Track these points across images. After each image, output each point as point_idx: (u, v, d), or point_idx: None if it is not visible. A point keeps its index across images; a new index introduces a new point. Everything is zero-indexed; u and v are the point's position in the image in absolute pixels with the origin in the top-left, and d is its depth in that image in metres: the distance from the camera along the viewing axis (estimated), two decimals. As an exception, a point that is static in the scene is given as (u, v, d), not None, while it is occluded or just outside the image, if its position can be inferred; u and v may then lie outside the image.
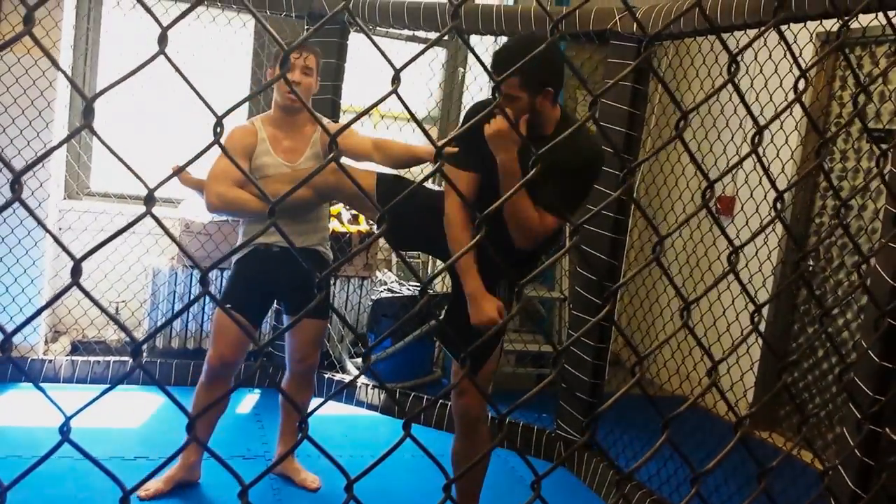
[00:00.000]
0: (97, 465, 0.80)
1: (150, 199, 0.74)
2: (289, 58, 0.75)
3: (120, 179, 4.68)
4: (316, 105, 4.18)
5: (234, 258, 3.11)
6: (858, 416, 2.05)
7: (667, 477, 3.45)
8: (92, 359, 4.23)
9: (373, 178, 2.84)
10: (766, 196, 3.45)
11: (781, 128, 2.90)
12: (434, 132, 5.30)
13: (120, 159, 0.79)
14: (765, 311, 3.97)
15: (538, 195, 2.50)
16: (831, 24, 2.82)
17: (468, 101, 5.01)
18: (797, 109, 3.94)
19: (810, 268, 4.47)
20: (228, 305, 3.04)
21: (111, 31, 4.66)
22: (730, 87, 0.94)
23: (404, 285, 4.92)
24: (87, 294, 0.76)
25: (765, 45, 2.25)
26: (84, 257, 0.74)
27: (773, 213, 0.99)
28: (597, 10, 3.69)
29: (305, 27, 4.34)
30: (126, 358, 4.30)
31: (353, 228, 4.83)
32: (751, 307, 0.98)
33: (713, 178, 0.92)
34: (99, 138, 0.74)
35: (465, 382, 2.77)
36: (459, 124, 2.84)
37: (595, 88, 4.79)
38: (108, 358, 4.27)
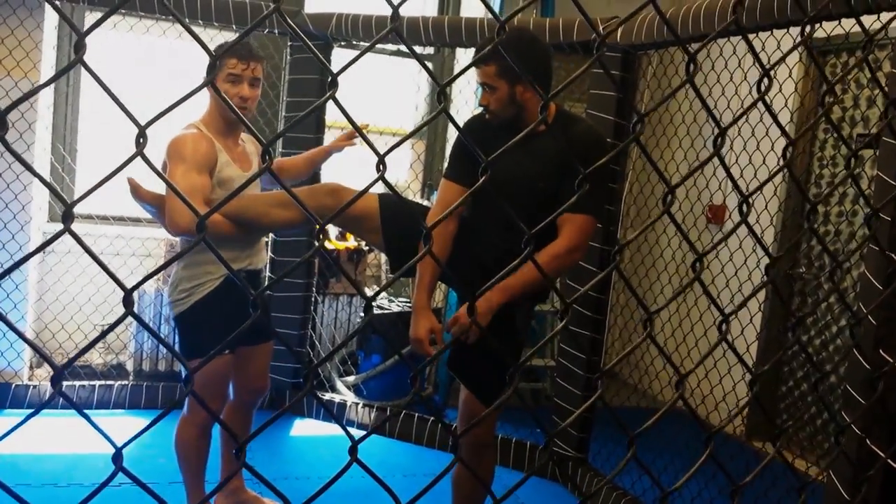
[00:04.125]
0: (9, 493, 0.75)
1: (67, 217, 0.70)
2: (215, 64, 0.71)
3: (103, 201, 4.63)
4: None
5: (194, 300, 2.77)
6: (856, 429, 2.00)
7: (690, 498, 3.39)
8: (77, 383, 4.17)
9: (374, 200, 2.70)
10: (757, 203, 3.42)
11: (767, 134, 2.87)
12: (421, 146, 5.27)
13: (35, 174, 0.74)
14: (757, 319, 3.92)
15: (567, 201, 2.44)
16: (832, 28, 2.80)
17: (454, 115, 4.97)
18: (788, 115, 3.92)
19: (802, 274, 4.43)
20: (227, 351, 2.80)
21: (93, 53, 4.64)
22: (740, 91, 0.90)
23: (394, 301, 4.88)
24: (3, 319, 0.71)
25: (763, 49, 2.23)
26: (5, 273, 0.69)
27: (771, 218, 0.94)
28: (580, 20, 3.67)
29: (289, 43, 4.31)
30: (111, 381, 4.25)
31: (342, 245, 4.79)
32: (748, 318, 0.94)
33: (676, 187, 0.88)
34: (8, 148, 0.70)
35: (476, 410, 2.69)
36: (454, 148, 2.79)
37: (581, 99, 4.76)
38: (93, 382, 4.21)
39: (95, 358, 4.54)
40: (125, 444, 0.73)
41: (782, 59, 0.90)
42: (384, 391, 4.59)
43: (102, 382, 4.23)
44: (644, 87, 4.38)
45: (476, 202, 2.69)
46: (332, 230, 4.67)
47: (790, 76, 3.32)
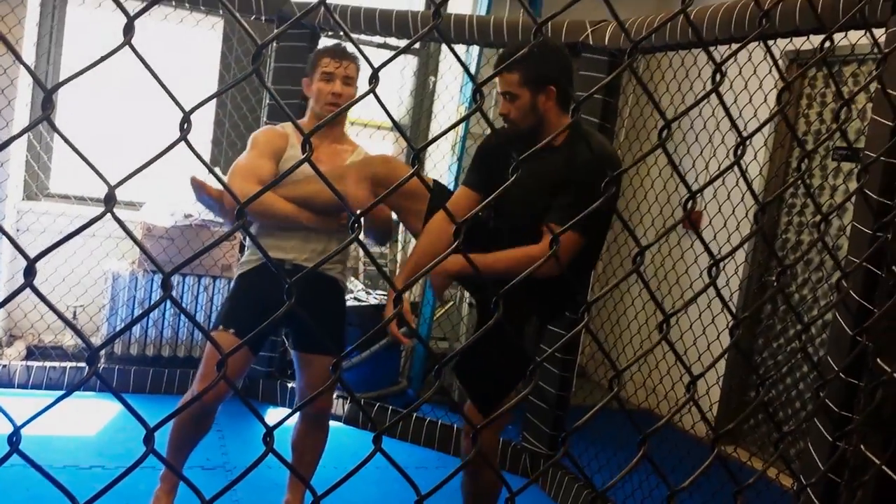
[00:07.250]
0: (47, 477, 0.76)
1: (110, 199, 0.70)
2: (261, 53, 0.72)
3: (80, 181, 4.58)
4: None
5: (237, 272, 2.87)
6: (826, 434, 2.04)
7: (641, 498, 3.41)
8: (48, 364, 4.12)
9: (427, 181, 2.72)
10: (734, 211, 3.47)
11: (750, 143, 2.91)
12: (403, 141, 5.28)
13: (81, 155, 0.74)
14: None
15: (551, 211, 2.37)
16: (801, 43, 2.84)
17: (438, 110, 4.98)
18: (768, 126, 3.97)
19: (774, 284, 4.49)
20: (231, 329, 2.71)
21: (75, 30, 4.58)
22: (711, 98, 0.93)
23: (371, 294, 4.88)
24: (41, 297, 0.72)
25: (735, 61, 2.26)
26: (38, 257, 0.69)
27: (751, 226, 0.97)
28: (569, 22, 3.70)
29: (275, 30, 4.28)
30: (83, 364, 4.20)
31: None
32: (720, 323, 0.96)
33: (685, 193, 0.90)
34: (57, 131, 0.70)
35: (476, 421, 2.53)
36: (473, 157, 2.72)
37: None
38: (64, 364, 4.16)
39: (67, 339, 4.49)
40: (157, 426, 0.74)
41: (805, 70, 0.92)
42: (357, 383, 4.59)
43: (74, 364, 4.19)
44: (630, 91, 4.42)
45: (498, 213, 2.63)
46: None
47: (764, 94, 3.37)
